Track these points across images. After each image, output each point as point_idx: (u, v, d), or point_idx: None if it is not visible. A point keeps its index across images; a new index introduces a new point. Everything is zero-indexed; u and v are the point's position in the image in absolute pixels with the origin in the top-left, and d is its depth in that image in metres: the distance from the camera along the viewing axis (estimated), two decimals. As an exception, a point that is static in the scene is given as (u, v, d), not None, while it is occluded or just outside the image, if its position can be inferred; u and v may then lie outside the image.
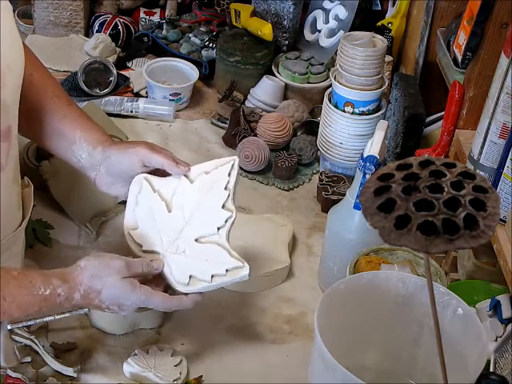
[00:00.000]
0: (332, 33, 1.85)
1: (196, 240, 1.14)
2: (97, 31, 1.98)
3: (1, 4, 0.99)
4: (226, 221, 1.13)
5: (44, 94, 1.19)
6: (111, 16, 2.00)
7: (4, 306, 0.98)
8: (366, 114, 1.52)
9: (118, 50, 1.96)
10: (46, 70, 1.25)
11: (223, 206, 1.13)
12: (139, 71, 1.88)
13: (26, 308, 1.02)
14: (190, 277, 1.12)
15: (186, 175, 1.16)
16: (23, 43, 1.14)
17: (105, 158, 1.18)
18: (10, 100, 1.01)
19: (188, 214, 1.15)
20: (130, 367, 1.16)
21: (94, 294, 1.05)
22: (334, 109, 1.52)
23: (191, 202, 1.15)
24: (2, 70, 0.98)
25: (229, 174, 1.14)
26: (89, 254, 1.36)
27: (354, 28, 1.77)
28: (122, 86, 1.84)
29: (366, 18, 1.88)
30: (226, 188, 1.14)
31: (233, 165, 1.15)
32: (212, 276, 1.11)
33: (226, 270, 1.11)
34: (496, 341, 1.10)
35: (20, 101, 1.12)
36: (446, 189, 0.75)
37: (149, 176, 1.17)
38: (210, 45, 1.95)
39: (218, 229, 1.13)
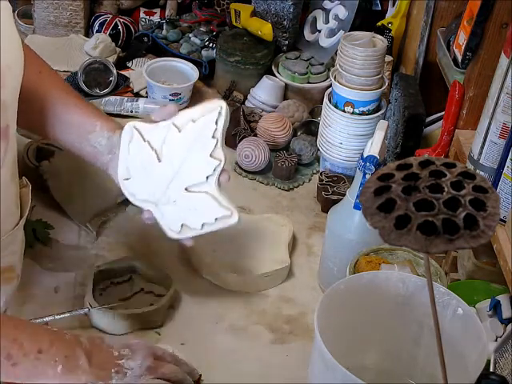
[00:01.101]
0: (332, 33, 1.86)
1: (186, 189, 1.14)
2: (97, 31, 1.98)
3: (2, 5, 1.00)
4: (215, 169, 1.13)
5: (55, 88, 1.19)
6: (111, 16, 2.00)
7: (13, 331, 0.94)
8: (366, 114, 1.52)
9: (118, 49, 1.96)
10: (51, 67, 1.25)
11: (211, 155, 1.13)
12: (139, 71, 1.88)
13: (37, 338, 0.95)
14: (182, 225, 1.15)
15: (174, 123, 1.15)
16: (25, 44, 1.15)
17: None
18: (9, 99, 1.02)
19: (177, 163, 1.14)
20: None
21: (99, 340, 1.01)
22: (334, 109, 1.52)
23: (180, 151, 1.14)
24: (2, 70, 0.98)
25: (216, 122, 1.13)
26: (89, 254, 1.38)
27: (353, 28, 1.77)
28: (122, 86, 1.84)
29: (366, 18, 1.88)
30: (213, 136, 1.13)
31: (219, 112, 1.13)
32: (202, 224, 1.14)
33: (216, 219, 1.13)
34: (496, 341, 1.10)
35: (30, 99, 1.14)
36: (446, 189, 0.75)
37: (138, 124, 1.16)
38: (210, 45, 1.95)
39: (207, 178, 1.13)
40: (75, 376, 0.96)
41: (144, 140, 1.16)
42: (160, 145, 1.15)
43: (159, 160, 1.15)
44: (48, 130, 1.20)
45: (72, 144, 1.21)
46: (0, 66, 0.96)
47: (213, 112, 1.13)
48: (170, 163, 1.14)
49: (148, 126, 1.16)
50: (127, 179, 1.18)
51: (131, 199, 1.18)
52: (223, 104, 1.13)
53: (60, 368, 0.94)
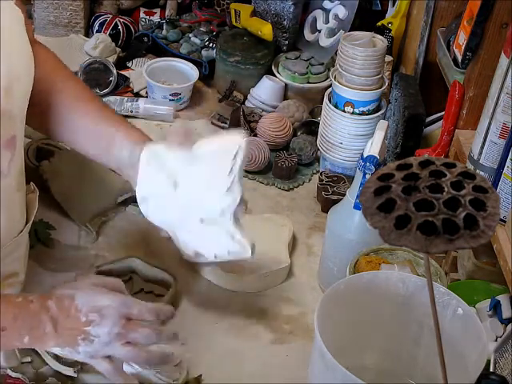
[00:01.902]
0: (332, 33, 1.85)
1: (201, 220, 1.14)
2: (97, 31, 1.98)
3: (7, 11, 1.00)
4: (230, 205, 1.12)
5: (76, 99, 1.18)
6: (111, 16, 2.00)
7: None
8: (366, 114, 1.52)
9: (118, 50, 1.96)
10: (72, 73, 1.24)
11: (228, 189, 1.12)
12: (139, 71, 1.88)
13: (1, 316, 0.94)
14: (196, 252, 1.16)
15: (193, 153, 1.14)
16: (47, 48, 1.15)
17: None
18: (17, 110, 1.01)
19: (193, 195, 1.14)
20: (130, 367, 1.16)
21: (68, 301, 0.97)
22: (334, 109, 1.52)
23: (196, 184, 1.14)
24: (9, 80, 0.98)
25: (235, 156, 1.12)
26: (89, 254, 1.38)
27: (353, 28, 1.77)
28: (122, 86, 1.84)
29: (366, 18, 1.88)
30: (231, 171, 1.12)
31: (240, 145, 1.12)
32: (215, 255, 1.15)
33: (229, 252, 1.14)
34: (496, 341, 1.10)
35: (52, 109, 1.14)
36: (446, 189, 0.75)
37: (157, 147, 1.15)
38: (210, 45, 1.95)
39: (223, 211, 1.13)
40: (42, 343, 0.97)
41: (161, 166, 1.14)
42: (176, 173, 1.14)
43: (175, 187, 1.14)
44: (65, 136, 1.19)
45: (94, 155, 1.19)
46: (7, 77, 0.96)
47: (232, 147, 1.12)
48: (187, 194, 1.14)
49: (166, 152, 1.14)
50: (144, 203, 1.18)
51: (149, 220, 1.19)
52: (242, 144, 1.12)
53: (26, 339, 0.95)
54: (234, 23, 1.91)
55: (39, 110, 1.15)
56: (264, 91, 1.80)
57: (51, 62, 1.17)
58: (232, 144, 1.13)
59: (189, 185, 1.14)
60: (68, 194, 1.47)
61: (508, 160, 1.12)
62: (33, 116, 1.11)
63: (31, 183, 1.17)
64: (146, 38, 1.98)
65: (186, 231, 1.16)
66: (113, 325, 0.97)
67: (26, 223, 1.14)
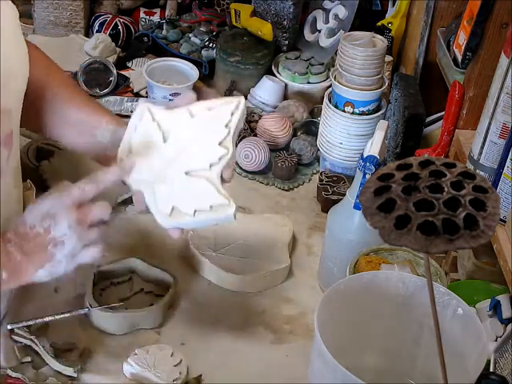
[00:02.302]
0: (332, 33, 1.86)
1: (186, 173, 1.10)
2: (97, 31, 1.98)
3: (7, 10, 1.00)
4: (221, 158, 1.09)
5: (63, 87, 1.18)
6: (111, 16, 2.00)
7: None
8: (366, 114, 1.52)
9: (118, 50, 1.96)
10: (58, 66, 1.24)
11: (220, 143, 1.10)
12: (139, 71, 1.88)
13: None
14: (173, 208, 1.09)
15: (188, 110, 1.12)
16: (33, 44, 1.15)
17: None
18: (13, 106, 1.02)
19: (182, 145, 1.11)
20: (129, 367, 1.16)
21: (22, 226, 0.99)
22: (334, 109, 1.52)
23: (188, 134, 1.11)
24: (7, 77, 0.98)
25: (232, 114, 1.10)
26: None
27: (353, 28, 1.77)
28: (122, 86, 1.84)
29: (366, 18, 1.88)
30: (226, 126, 1.10)
31: (237, 105, 1.10)
32: (195, 211, 1.08)
33: (211, 207, 1.07)
34: (496, 341, 1.10)
35: (38, 98, 1.13)
36: (446, 189, 0.75)
37: (152, 106, 1.14)
38: (210, 45, 1.95)
39: (211, 165, 1.09)
40: (20, 273, 1.00)
41: (153, 119, 1.12)
42: (169, 127, 1.11)
43: (165, 140, 1.11)
44: (54, 130, 1.19)
45: (77, 141, 1.19)
46: (3, 73, 0.97)
47: (230, 104, 1.11)
48: (176, 144, 1.10)
49: (162, 110, 1.13)
50: (127, 155, 1.12)
51: (125, 177, 1.11)
52: (242, 99, 1.11)
53: (4, 275, 0.98)
54: (234, 23, 1.91)
55: (33, 109, 1.15)
56: (264, 91, 1.80)
57: (40, 56, 1.17)
58: (231, 101, 1.11)
59: (179, 137, 1.11)
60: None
61: (508, 160, 1.12)
62: (27, 116, 1.11)
63: (28, 180, 1.17)
64: (145, 38, 1.98)
65: (168, 184, 1.10)
66: (67, 217, 0.99)
67: None
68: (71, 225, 0.99)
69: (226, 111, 1.10)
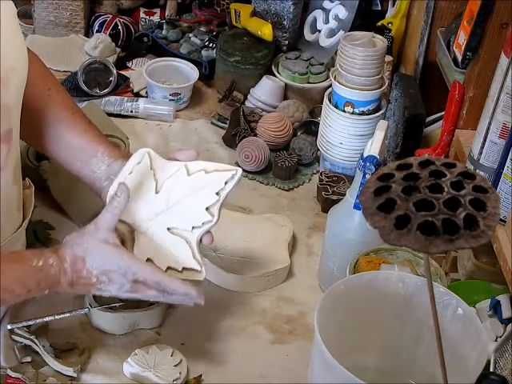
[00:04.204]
0: (332, 33, 1.86)
1: (168, 229, 1.13)
2: (97, 31, 1.98)
3: (6, 7, 1.00)
4: (204, 223, 1.12)
5: (64, 109, 1.19)
6: (111, 16, 2.00)
7: (3, 280, 0.98)
8: (366, 114, 1.52)
9: (118, 50, 1.96)
10: (60, 84, 1.25)
11: (207, 209, 1.12)
12: (139, 71, 1.88)
13: (25, 281, 1.01)
14: (147, 260, 1.11)
15: (186, 167, 1.14)
16: (35, 55, 1.15)
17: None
18: (13, 102, 1.02)
19: (172, 202, 1.13)
20: (129, 367, 1.16)
21: (81, 263, 1.04)
22: (334, 109, 1.52)
23: (180, 192, 1.13)
24: (7, 73, 0.98)
25: (226, 182, 1.13)
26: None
27: (353, 28, 1.77)
28: (122, 86, 1.84)
29: (366, 18, 1.88)
30: (217, 193, 1.13)
31: (233, 175, 1.14)
32: (168, 268, 1.12)
33: (183, 268, 1.11)
34: (496, 341, 1.10)
35: (36, 115, 1.15)
36: (445, 189, 0.75)
37: (153, 153, 1.15)
38: (210, 45, 1.95)
39: (193, 228, 1.13)
40: (58, 293, 1.07)
41: (151, 168, 1.14)
42: (164, 179, 1.14)
43: (157, 192, 1.14)
44: (50, 148, 1.20)
45: (71, 166, 1.21)
46: (4, 69, 0.97)
47: (227, 172, 1.14)
48: (166, 198, 1.13)
49: (160, 159, 1.15)
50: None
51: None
52: (239, 171, 1.14)
53: (46, 292, 1.05)
54: (234, 23, 1.91)
55: (34, 127, 1.16)
56: (264, 91, 1.80)
57: (39, 68, 1.17)
58: (228, 169, 1.14)
59: (171, 192, 1.13)
60: (68, 193, 1.47)
61: (508, 160, 1.12)
62: (27, 132, 1.12)
63: (27, 179, 1.18)
64: (145, 38, 1.98)
65: (148, 236, 1.12)
66: (120, 287, 1.06)
67: (24, 219, 1.14)
68: (119, 291, 1.07)
69: (221, 179, 1.14)
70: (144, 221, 1.13)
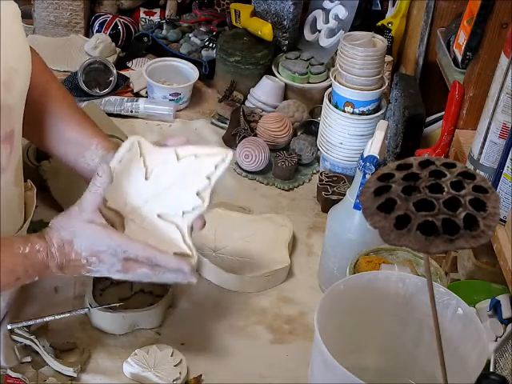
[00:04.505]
0: (332, 33, 1.86)
1: (158, 215, 1.12)
2: (97, 31, 1.98)
3: (8, 8, 1.00)
4: (194, 208, 1.11)
5: (60, 104, 1.19)
6: (111, 16, 2.01)
7: None
8: (366, 114, 1.52)
9: (118, 50, 1.96)
10: (56, 77, 1.24)
11: (198, 193, 1.11)
12: (139, 71, 1.88)
13: (12, 269, 1.01)
14: None
15: (176, 152, 1.13)
16: (35, 52, 1.15)
17: None
18: (15, 104, 1.02)
19: (161, 187, 1.12)
20: (130, 367, 1.16)
21: (68, 247, 1.04)
22: (334, 109, 1.52)
23: (169, 177, 1.12)
24: (9, 74, 0.98)
25: (216, 166, 1.12)
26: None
27: (353, 28, 1.77)
28: (122, 86, 1.84)
29: (366, 18, 1.88)
30: (208, 177, 1.11)
31: (224, 158, 1.12)
32: None
33: (174, 253, 1.09)
34: (496, 341, 1.10)
35: (34, 108, 1.14)
36: (446, 189, 0.75)
37: (143, 140, 1.14)
38: (210, 45, 1.95)
39: (184, 213, 1.11)
40: (48, 277, 1.09)
41: (140, 155, 1.13)
42: (153, 166, 1.13)
43: (146, 178, 1.12)
44: (46, 143, 1.19)
45: (67, 159, 1.20)
46: (7, 69, 0.97)
47: (217, 156, 1.12)
48: (155, 184, 1.12)
49: (151, 146, 1.14)
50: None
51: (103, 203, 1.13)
52: (230, 154, 1.12)
53: (36, 278, 1.05)
54: (234, 23, 1.91)
55: (26, 110, 1.15)
56: (264, 91, 1.80)
57: (39, 62, 1.17)
58: (218, 153, 1.12)
59: (161, 177, 1.12)
60: (68, 193, 1.46)
61: (508, 160, 1.12)
62: (28, 127, 1.12)
63: (28, 180, 1.18)
64: (145, 38, 1.98)
65: (137, 222, 1.11)
66: (111, 266, 1.05)
67: (25, 221, 1.14)
68: (109, 270, 1.06)
69: (211, 162, 1.12)
70: (134, 208, 1.12)
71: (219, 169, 1.11)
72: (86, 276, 1.26)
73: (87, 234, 1.04)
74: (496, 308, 1.15)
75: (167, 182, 1.12)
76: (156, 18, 2.07)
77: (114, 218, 1.10)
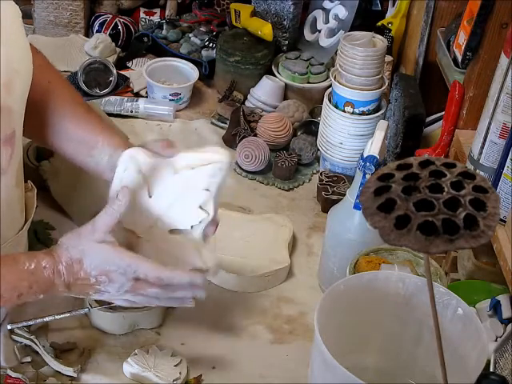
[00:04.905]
0: (332, 33, 1.86)
1: (170, 232, 1.12)
2: (97, 31, 1.98)
3: (8, 10, 1.00)
4: (201, 221, 1.11)
5: (63, 101, 1.17)
6: (111, 16, 2.01)
7: None
8: (366, 114, 1.52)
9: (118, 50, 1.96)
10: (61, 75, 1.23)
11: (200, 207, 1.11)
12: (139, 71, 1.88)
13: (16, 285, 0.99)
14: None
15: (172, 164, 1.11)
16: (37, 50, 1.14)
17: None
18: (16, 105, 1.01)
19: (166, 204, 1.11)
20: (130, 367, 1.16)
21: (77, 266, 1.02)
22: (334, 109, 1.52)
23: (171, 192, 1.11)
24: (11, 77, 0.98)
25: (213, 176, 1.10)
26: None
27: (353, 28, 1.77)
28: (122, 86, 1.84)
29: (366, 18, 1.88)
30: (207, 189, 1.10)
31: (220, 167, 1.10)
32: None
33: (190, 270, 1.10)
34: (496, 341, 1.10)
35: (37, 108, 1.13)
36: (445, 189, 0.75)
37: (136, 154, 1.11)
38: (210, 45, 1.95)
39: (192, 227, 1.12)
40: (54, 296, 1.06)
41: (139, 171, 1.11)
42: (153, 181, 1.11)
43: (150, 196, 1.12)
44: (52, 142, 1.18)
45: (76, 159, 1.18)
46: (8, 72, 0.96)
47: (213, 165, 1.10)
48: (160, 201, 1.11)
49: (145, 158, 1.11)
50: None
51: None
52: (225, 159, 1.10)
53: (41, 296, 1.03)
54: (234, 23, 1.91)
55: (29, 111, 1.15)
56: (264, 91, 1.80)
57: (39, 61, 1.16)
58: (213, 161, 1.10)
59: (163, 195, 1.12)
60: (68, 193, 1.47)
61: (508, 160, 1.12)
62: (30, 126, 1.11)
63: (29, 181, 1.17)
64: (145, 38, 1.98)
65: (152, 243, 1.11)
66: (120, 286, 1.04)
67: (25, 222, 1.14)
68: (119, 291, 1.05)
69: (208, 173, 1.10)
70: (146, 227, 1.12)
71: (217, 177, 1.10)
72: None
73: (97, 253, 1.03)
74: (496, 308, 1.15)
75: (170, 198, 1.12)
76: (156, 18, 2.07)
77: (131, 239, 1.11)
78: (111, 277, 1.03)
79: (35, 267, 1.00)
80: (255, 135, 1.68)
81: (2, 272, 0.98)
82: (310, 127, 1.73)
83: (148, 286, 1.04)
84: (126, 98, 1.80)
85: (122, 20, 2.00)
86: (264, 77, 1.81)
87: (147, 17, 2.07)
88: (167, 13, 2.08)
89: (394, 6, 1.83)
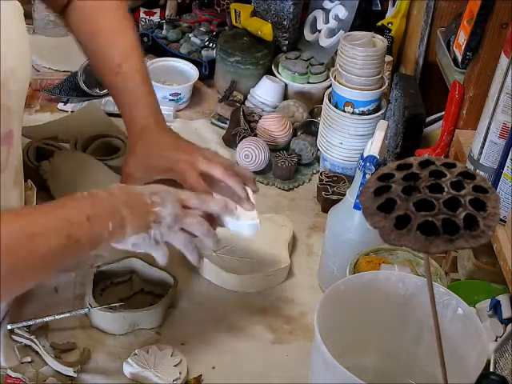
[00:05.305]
0: (332, 33, 1.86)
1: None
2: (97, 31, 1.98)
3: (11, 8, 1.00)
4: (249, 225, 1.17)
5: (129, 92, 1.27)
6: (111, 16, 2.00)
7: (32, 226, 0.90)
8: (366, 114, 1.52)
9: (118, 50, 1.96)
10: (135, 54, 1.30)
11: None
12: (139, 71, 1.88)
13: (68, 218, 0.94)
14: None
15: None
16: (127, 24, 1.26)
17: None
18: (13, 105, 1.01)
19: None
20: (129, 367, 1.16)
21: (130, 187, 1.03)
22: (334, 109, 1.52)
23: None
24: (6, 73, 0.98)
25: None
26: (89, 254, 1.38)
27: (353, 28, 1.77)
28: (122, 86, 1.83)
29: (366, 18, 1.88)
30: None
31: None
32: None
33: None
34: (496, 341, 1.10)
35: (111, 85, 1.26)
36: (446, 189, 0.75)
37: None
38: (210, 45, 1.95)
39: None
40: (122, 228, 0.98)
41: None
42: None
43: None
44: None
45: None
46: (4, 71, 0.97)
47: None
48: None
49: None
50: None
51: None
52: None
53: (110, 225, 0.96)
54: (234, 23, 1.91)
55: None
56: (264, 91, 1.80)
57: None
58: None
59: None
60: (68, 193, 1.46)
61: (508, 160, 1.12)
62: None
63: (28, 180, 1.17)
64: (145, 38, 1.98)
65: None
66: (173, 206, 1.02)
67: None
68: (171, 214, 1.02)
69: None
70: None
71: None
72: (86, 276, 1.28)
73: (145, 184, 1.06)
74: (496, 308, 1.15)
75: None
76: (156, 18, 2.06)
77: None
78: (162, 196, 1.02)
79: (88, 194, 0.98)
80: (255, 135, 1.68)
81: (60, 203, 0.98)
82: (309, 127, 1.73)
83: (191, 216, 1.05)
84: (126, 98, 1.79)
85: (122, 20, 2.00)
86: (264, 77, 1.81)
87: (147, 17, 2.07)
88: (167, 13, 2.08)
89: (394, 6, 1.83)
